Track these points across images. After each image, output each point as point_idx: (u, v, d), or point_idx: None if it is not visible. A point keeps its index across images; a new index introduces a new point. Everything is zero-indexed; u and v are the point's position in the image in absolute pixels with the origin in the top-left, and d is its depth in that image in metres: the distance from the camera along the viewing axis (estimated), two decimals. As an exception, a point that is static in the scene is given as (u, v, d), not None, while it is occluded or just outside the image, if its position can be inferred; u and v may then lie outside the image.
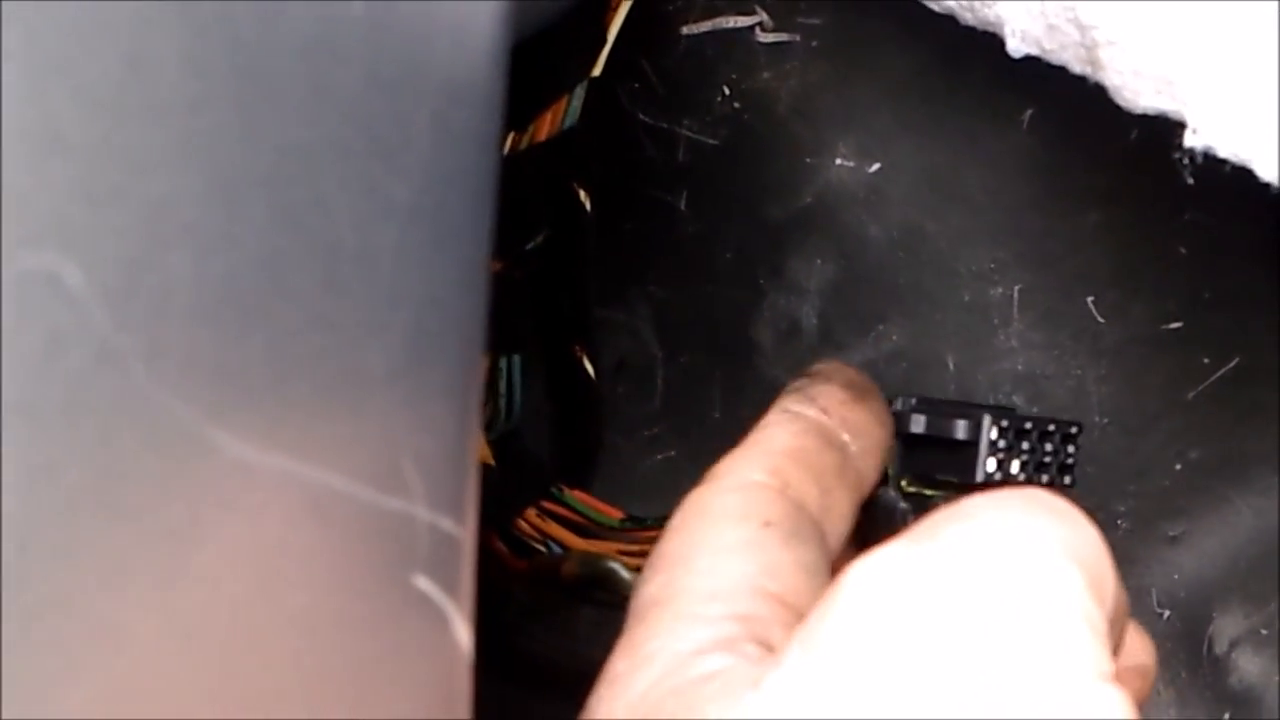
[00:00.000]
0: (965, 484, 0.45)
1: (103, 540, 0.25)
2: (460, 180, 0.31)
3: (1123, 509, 0.52)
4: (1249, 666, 0.52)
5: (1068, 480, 0.46)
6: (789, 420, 0.44)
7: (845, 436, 0.44)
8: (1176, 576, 0.53)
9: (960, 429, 0.45)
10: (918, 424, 0.46)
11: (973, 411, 0.45)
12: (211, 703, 0.27)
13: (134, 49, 0.24)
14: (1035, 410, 0.47)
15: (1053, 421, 0.45)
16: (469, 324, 0.31)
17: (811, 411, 0.44)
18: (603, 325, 0.54)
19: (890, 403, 0.46)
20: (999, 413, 0.45)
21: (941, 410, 0.46)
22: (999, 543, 0.32)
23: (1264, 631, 0.52)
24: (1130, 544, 0.53)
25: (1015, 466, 0.45)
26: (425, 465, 0.30)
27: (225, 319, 0.26)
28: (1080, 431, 0.46)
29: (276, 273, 0.27)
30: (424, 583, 0.30)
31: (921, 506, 0.45)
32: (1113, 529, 0.52)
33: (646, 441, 0.54)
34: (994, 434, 0.45)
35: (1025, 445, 0.45)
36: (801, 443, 0.43)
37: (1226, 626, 0.53)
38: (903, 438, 0.46)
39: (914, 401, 0.46)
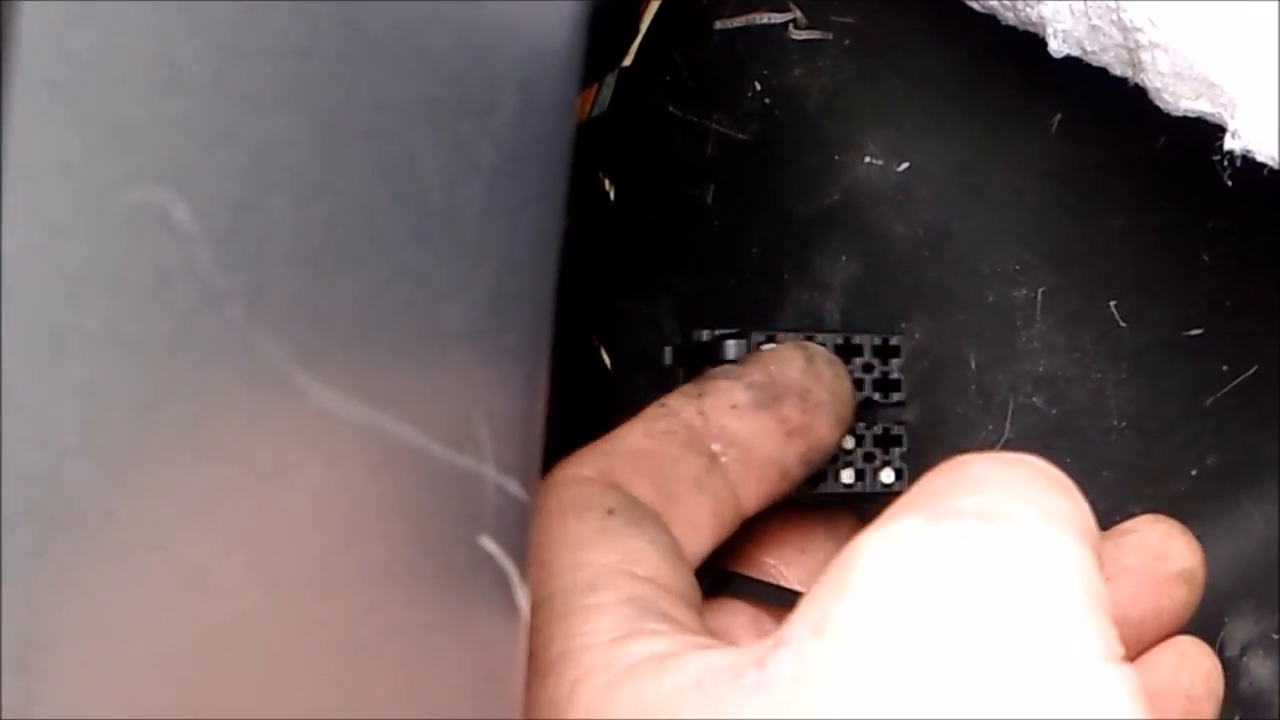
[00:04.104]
0: None
1: (195, 479, 0.25)
2: (540, 146, 0.31)
3: (1138, 512, 0.52)
4: (1260, 671, 0.53)
5: (895, 396, 0.45)
6: (657, 417, 0.42)
7: (715, 446, 0.42)
8: (1189, 581, 0.53)
9: (730, 350, 0.44)
10: (729, 351, 0.44)
11: (752, 334, 0.44)
12: (287, 648, 0.27)
13: (249, -11, 0.24)
14: (868, 335, 0.45)
15: (864, 336, 0.45)
16: (543, 288, 0.32)
17: (688, 412, 0.43)
18: (625, 316, 0.54)
19: (694, 333, 0.45)
20: (798, 334, 0.44)
21: (730, 336, 0.44)
22: (1014, 521, 0.31)
23: (1275, 636, 0.53)
24: (1144, 548, 0.53)
25: None
26: (497, 426, 0.30)
27: (320, 266, 0.26)
28: (899, 341, 0.44)
29: (369, 223, 0.27)
30: (489, 543, 0.31)
31: None
32: (1127, 532, 0.53)
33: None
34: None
35: None
36: (654, 445, 0.42)
37: (1238, 631, 0.53)
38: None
39: (716, 333, 0.45)
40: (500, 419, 0.31)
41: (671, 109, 0.52)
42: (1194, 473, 0.53)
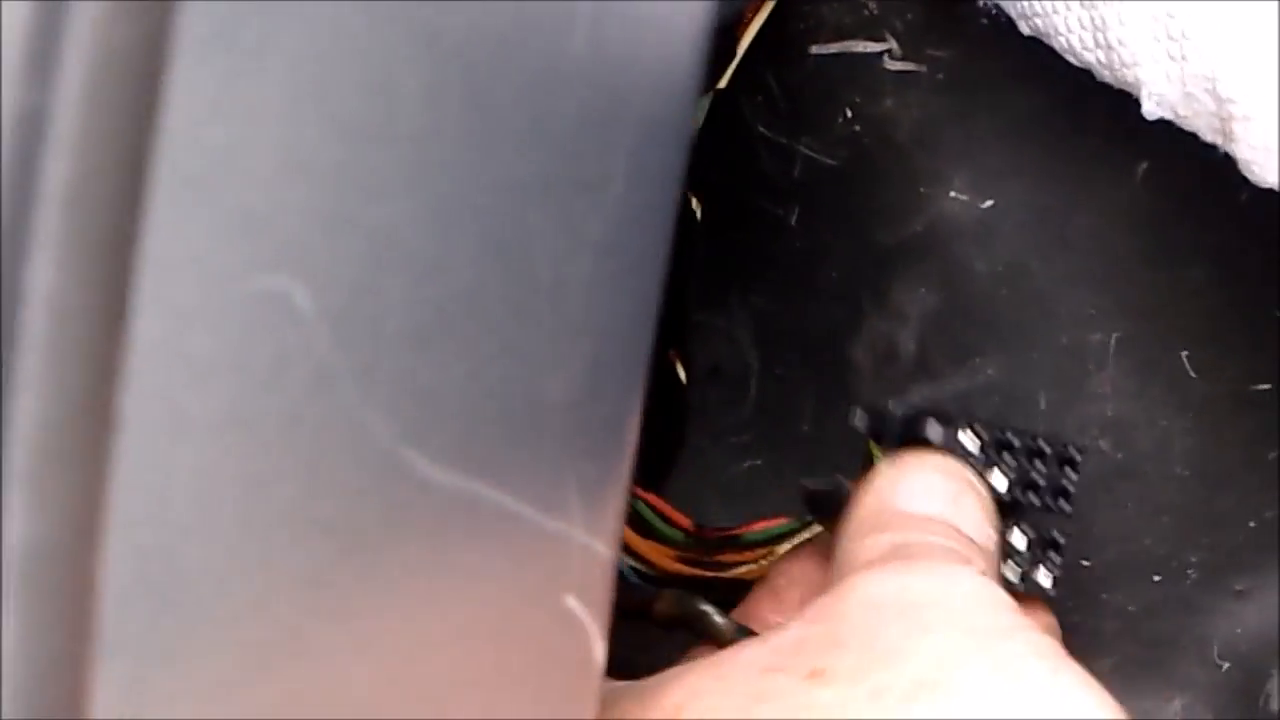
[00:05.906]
0: None
1: (301, 552, 0.25)
2: (647, 218, 0.31)
3: (1194, 559, 0.53)
4: (1306, 724, 0.53)
5: (1065, 505, 0.46)
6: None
7: None
8: (1239, 630, 0.53)
9: (935, 433, 0.45)
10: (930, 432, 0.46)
11: (956, 419, 0.45)
12: (378, 706, 0.28)
13: (383, 76, 0.25)
14: (1048, 432, 0.47)
15: (1048, 442, 0.46)
16: (639, 356, 0.32)
17: None
18: (702, 330, 0.54)
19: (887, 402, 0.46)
20: (991, 426, 0.45)
21: (932, 414, 0.46)
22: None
23: (1323, 691, 0.53)
24: (1197, 594, 0.53)
25: (996, 478, 0.45)
26: (587, 490, 0.31)
27: (429, 344, 0.27)
28: (1080, 457, 0.46)
29: (478, 302, 0.28)
30: (573, 602, 0.31)
31: None
32: (1181, 578, 0.53)
33: (734, 448, 0.55)
34: (969, 442, 0.45)
35: (1009, 460, 0.45)
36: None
37: (1287, 684, 0.53)
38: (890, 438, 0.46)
39: (915, 407, 0.46)
40: (591, 483, 0.31)
41: (762, 129, 0.53)
42: (1252, 524, 0.53)
